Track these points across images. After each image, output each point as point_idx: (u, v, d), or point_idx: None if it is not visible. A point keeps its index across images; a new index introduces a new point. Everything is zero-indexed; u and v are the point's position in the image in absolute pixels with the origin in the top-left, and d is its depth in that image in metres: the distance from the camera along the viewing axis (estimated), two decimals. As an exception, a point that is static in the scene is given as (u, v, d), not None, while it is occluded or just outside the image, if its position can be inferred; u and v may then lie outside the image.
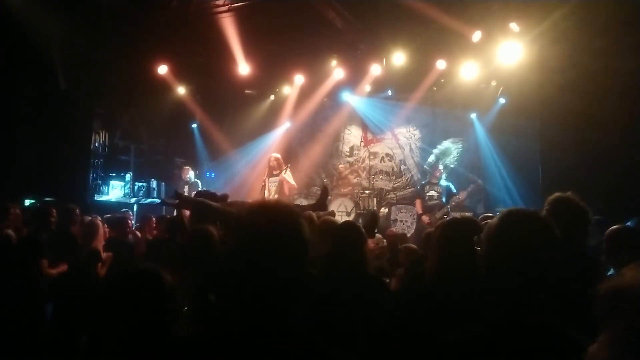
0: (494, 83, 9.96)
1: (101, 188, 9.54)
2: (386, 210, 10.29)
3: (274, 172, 8.28)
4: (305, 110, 11.19)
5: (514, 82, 8.88)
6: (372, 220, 4.33)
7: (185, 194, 9.44)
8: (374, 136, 11.35)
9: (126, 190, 9.74)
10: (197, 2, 8.59)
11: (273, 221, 1.31)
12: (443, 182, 8.86)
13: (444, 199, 8.65)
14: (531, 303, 1.46)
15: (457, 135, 10.65)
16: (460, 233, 2.33)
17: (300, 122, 11.40)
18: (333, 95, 11.03)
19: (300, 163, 10.90)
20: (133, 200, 9.65)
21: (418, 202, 9.02)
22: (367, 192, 10.50)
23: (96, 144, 9.87)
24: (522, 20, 8.02)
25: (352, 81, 10.48)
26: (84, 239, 4.77)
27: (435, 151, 9.49)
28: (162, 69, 9.90)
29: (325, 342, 1.29)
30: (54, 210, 5.09)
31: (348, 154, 11.49)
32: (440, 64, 9.50)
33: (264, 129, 11.45)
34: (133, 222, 7.24)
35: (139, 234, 6.10)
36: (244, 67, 9.75)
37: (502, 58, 8.54)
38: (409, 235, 8.53)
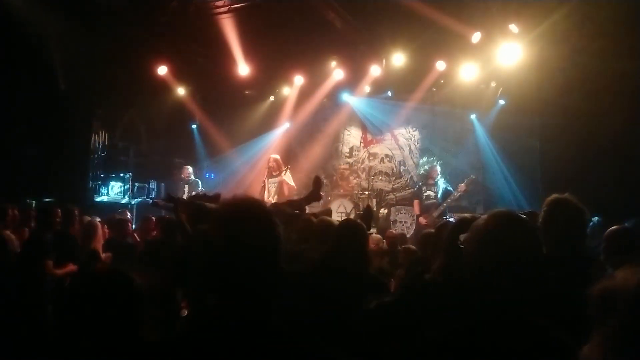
0: (493, 84, 9.96)
1: (100, 188, 9.54)
2: (386, 211, 10.29)
3: (274, 173, 8.28)
4: (305, 111, 11.19)
5: (514, 82, 8.89)
6: (367, 215, 4.29)
7: (186, 193, 9.46)
8: (374, 137, 11.35)
9: (125, 191, 9.74)
10: (196, 3, 8.60)
11: (243, 218, 1.32)
12: (440, 182, 8.86)
13: (440, 198, 8.65)
14: (516, 300, 1.47)
15: (457, 136, 10.65)
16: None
17: (300, 122, 11.40)
18: (333, 96, 11.03)
19: (300, 164, 10.90)
20: (132, 200, 9.66)
21: (416, 203, 9.02)
22: (366, 192, 10.49)
23: (96, 145, 9.87)
24: (521, 21, 8.02)
25: (352, 82, 10.48)
26: (83, 240, 4.78)
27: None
28: (162, 70, 9.91)
29: (306, 338, 1.29)
30: (59, 211, 5.07)
31: (348, 154, 11.50)
32: (440, 65, 9.50)
33: (264, 129, 11.45)
34: (133, 222, 7.25)
35: (137, 237, 6.08)
36: (243, 68, 9.76)
37: (502, 59, 8.55)
38: (408, 236, 8.53)
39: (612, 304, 1.18)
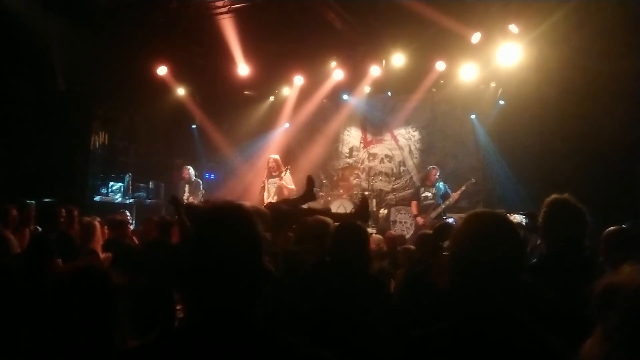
0: (493, 84, 9.97)
1: (100, 189, 9.54)
2: (385, 211, 10.28)
3: (273, 173, 8.28)
4: (305, 111, 11.19)
5: (513, 83, 8.89)
6: (364, 206, 4.23)
7: (186, 193, 9.48)
8: (374, 137, 11.35)
9: (125, 191, 9.74)
10: (196, 3, 8.60)
11: (216, 220, 1.32)
12: (439, 183, 8.86)
13: (439, 200, 8.65)
14: (497, 298, 1.47)
15: (457, 136, 10.65)
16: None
17: (300, 123, 11.40)
18: (332, 96, 11.04)
19: (300, 164, 10.89)
20: (130, 200, 9.66)
21: (413, 204, 9.01)
22: (366, 193, 10.47)
23: (96, 145, 9.87)
24: (521, 21, 8.03)
25: (352, 82, 10.49)
26: (81, 240, 4.76)
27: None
28: (162, 70, 9.92)
29: (289, 338, 1.29)
30: (63, 210, 5.05)
31: (347, 155, 11.50)
32: (440, 65, 9.51)
33: (263, 129, 11.45)
34: (132, 223, 7.25)
35: (135, 239, 6.07)
36: (243, 68, 9.77)
37: (502, 59, 8.56)
38: (408, 236, 8.52)
39: (615, 301, 1.18)
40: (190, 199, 9.31)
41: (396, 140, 11.15)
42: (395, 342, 1.86)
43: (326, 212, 5.04)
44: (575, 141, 7.71)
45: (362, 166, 11.29)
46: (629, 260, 1.33)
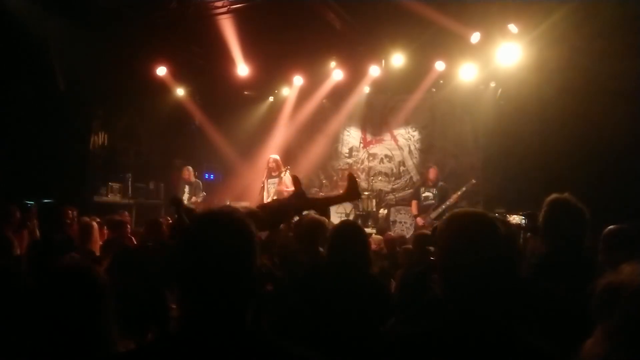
0: (492, 84, 9.97)
1: (100, 189, 9.53)
2: (385, 211, 10.28)
3: (273, 174, 8.28)
4: (304, 112, 11.20)
5: (513, 83, 8.89)
6: (352, 183, 4.15)
7: (186, 194, 9.48)
8: (373, 137, 11.35)
9: (125, 192, 9.74)
10: (196, 4, 8.59)
11: (207, 225, 1.33)
12: (439, 183, 8.86)
13: (438, 201, 8.66)
14: (480, 299, 1.46)
15: (457, 136, 10.65)
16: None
17: (299, 123, 11.40)
18: (332, 96, 11.03)
19: (300, 164, 10.89)
20: (132, 201, 9.65)
21: (414, 204, 9.02)
22: (366, 193, 10.48)
23: (95, 145, 9.86)
24: (520, 21, 8.03)
25: (351, 82, 10.49)
26: (79, 241, 4.75)
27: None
28: (161, 70, 9.91)
29: (282, 341, 1.28)
30: (70, 212, 5.03)
31: (347, 155, 11.50)
32: (439, 65, 9.52)
33: (263, 130, 11.45)
34: (132, 223, 7.23)
35: (134, 240, 6.05)
36: (242, 69, 9.76)
37: (501, 59, 8.56)
38: (407, 236, 8.52)
39: (615, 301, 1.18)
40: (193, 199, 9.31)
41: (396, 141, 11.15)
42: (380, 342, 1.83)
43: (317, 200, 4.99)
44: (575, 141, 7.71)
45: (361, 166, 11.29)
46: (629, 259, 1.33)
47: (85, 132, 9.65)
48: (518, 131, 9.07)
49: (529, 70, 8.18)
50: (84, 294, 1.57)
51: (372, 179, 11.06)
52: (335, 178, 11.28)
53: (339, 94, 10.93)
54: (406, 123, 11.04)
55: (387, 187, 11.07)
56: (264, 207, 4.76)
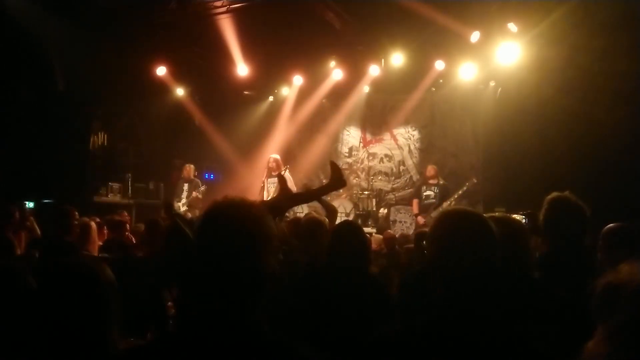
0: (492, 83, 9.97)
1: (100, 189, 9.53)
2: (385, 210, 10.28)
3: (273, 173, 8.27)
4: (304, 111, 11.19)
5: (512, 82, 8.89)
6: (335, 172, 4.10)
7: (185, 192, 9.48)
8: (373, 137, 11.35)
9: (125, 192, 9.74)
10: (195, 4, 8.59)
11: (217, 220, 1.30)
12: (440, 182, 8.87)
13: (438, 200, 8.66)
14: (471, 297, 1.45)
15: (457, 135, 10.65)
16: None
17: (299, 123, 11.39)
18: (332, 96, 11.03)
19: (299, 164, 10.89)
20: (132, 201, 9.65)
21: (414, 203, 9.03)
22: (366, 192, 10.49)
23: (95, 146, 9.86)
24: (520, 20, 8.03)
25: (351, 82, 10.48)
26: (78, 241, 4.74)
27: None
28: (161, 70, 9.91)
29: (289, 341, 1.27)
30: (76, 213, 5.01)
31: (347, 154, 11.49)
32: (439, 65, 9.52)
33: (263, 129, 11.44)
34: (132, 224, 7.21)
35: (133, 239, 6.04)
36: (242, 68, 9.76)
37: (501, 58, 8.55)
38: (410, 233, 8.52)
39: (615, 301, 1.18)
40: (194, 194, 9.31)
41: (395, 140, 11.15)
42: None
43: (303, 195, 4.96)
44: (574, 140, 7.71)
45: (361, 166, 11.29)
46: (628, 258, 1.33)
47: (85, 132, 9.66)
48: (518, 130, 9.07)
49: (529, 69, 8.18)
50: (91, 293, 1.55)
51: (372, 179, 11.06)
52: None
53: (339, 94, 10.93)
54: (406, 122, 11.04)
55: (387, 186, 11.07)
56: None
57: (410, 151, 11.04)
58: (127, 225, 6.05)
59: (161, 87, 10.25)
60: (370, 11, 8.36)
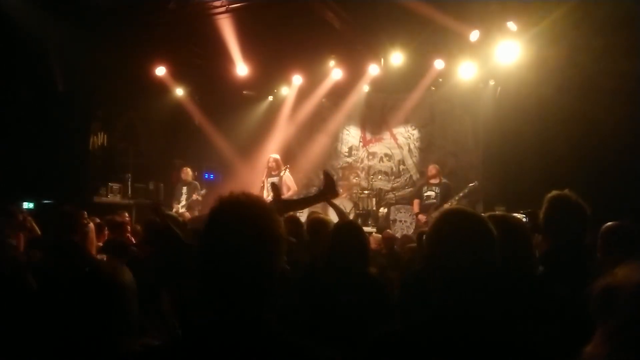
0: (492, 82, 9.97)
1: (100, 190, 9.53)
2: (385, 210, 10.29)
3: (273, 173, 8.28)
4: (304, 111, 11.19)
5: (512, 81, 8.89)
6: (328, 180, 4.14)
7: (184, 195, 9.48)
8: (373, 136, 11.35)
9: (125, 192, 9.74)
10: (194, 4, 8.59)
11: (241, 217, 1.27)
12: (442, 181, 8.87)
13: (439, 200, 8.66)
14: (470, 297, 1.45)
15: (456, 134, 10.65)
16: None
17: (299, 122, 11.39)
18: (331, 95, 11.03)
19: (299, 163, 10.90)
20: (132, 201, 9.65)
21: (415, 202, 9.04)
22: (366, 192, 10.49)
23: (95, 146, 9.86)
24: (519, 19, 8.02)
25: (350, 81, 10.48)
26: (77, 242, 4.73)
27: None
28: (160, 71, 9.91)
29: (300, 339, 1.26)
30: (85, 213, 4.99)
31: (347, 154, 11.49)
32: (438, 64, 9.52)
33: (263, 129, 11.44)
34: (131, 224, 7.21)
35: (133, 239, 6.04)
36: (242, 68, 9.76)
37: (500, 57, 8.55)
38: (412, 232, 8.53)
39: (614, 302, 1.18)
40: (194, 196, 9.31)
41: (395, 139, 11.14)
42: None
43: (295, 202, 4.97)
44: (574, 139, 7.71)
45: (361, 165, 11.29)
46: (627, 256, 1.33)
47: (85, 133, 9.66)
48: (517, 129, 9.06)
49: (528, 68, 8.18)
50: (110, 296, 1.57)
51: (372, 178, 11.06)
52: (335, 177, 11.25)
53: (339, 93, 10.93)
54: (406, 122, 11.04)
55: (387, 185, 11.07)
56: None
57: (410, 150, 11.04)
58: (128, 227, 6.06)
59: (161, 87, 10.25)
60: (369, 10, 8.35)
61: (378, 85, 10.66)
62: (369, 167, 11.23)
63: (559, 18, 7.29)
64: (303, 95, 11.01)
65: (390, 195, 10.93)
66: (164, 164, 11.09)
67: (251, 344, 1.21)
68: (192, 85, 10.83)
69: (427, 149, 10.89)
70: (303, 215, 5.99)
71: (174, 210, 9.08)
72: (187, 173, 9.72)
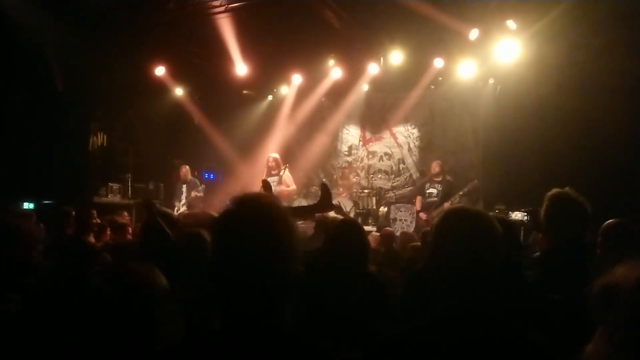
0: (491, 81, 9.97)
1: (100, 190, 9.53)
2: (385, 209, 10.29)
3: (273, 172, 8.29)
4: (303, 110, 11.19)
5: (512, 79, 8.88)
6: (325, 193, 4.13)
7: (184, 193, 9.48)
8: (373, 135, 11.35)
9: (125, 192, 9.74)
10: (193, 3, 8.59)
11: (257, 217, 1.26)
12: (446, 178, 8.90)
13: (440, 199, 8.67)
14: (475, 296, 1.45)
15: (456, 133, 10.65)
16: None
17: (299, 121, 11.39)
18: (331, 94, 11.03)
19: (299, 163, 10.89)
20: (132, 201, 9.65)
21: (418, 199, 9.06)
22: (366, 191, 10.50)
23: (94, 146, 9.86)
24: (519, 17, 8.02)
25: (350, 80, 10.48)
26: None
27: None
28: (160, 71, 9.91)
29: (315, 340, 1.26)
30: (95, 212, 4.97)
31: (347, 153, 11.49)
32: (438, 63, 9.52)
33: (262, 129, 11.44)
34: (132, 224, 7.21)
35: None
36: (241, 68, 9.75)
37: (500, 56, 8.55)
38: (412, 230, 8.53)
39: (613, 301, 1.18)
40: (193, 193, 9.31)
41: (395, 138, 11.14)
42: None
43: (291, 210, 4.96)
44: (574, 137, 7.71)
45: (361, 164, 11.29)
46: (626, 253, 1.33)
47: (85, 133, 9.66)
48: (517, 128, 9.07)
49: (528, 66, 8.18)
50: (146, 299, 1.58)
51: (372, 177, 11.06)
52: (335, 176, 11.28)
53: (338, 92, 10.92)
54: (405, 121, 11.04)
55: (387, 184, 11.07)
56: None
57: (409, 149, 11.04)
58: (129, 228, 6.06)
59: (160, 87, 10.24)
60: (369, 9, 8.35)
61: (378, 84, 10.66)
62: (369, 166, 11.23)
63: (558, 16, 7.29)
64: (303, 94, 11.00)
65: (390, 194, 10.93)
66: (163, 163, 11.08)
67: (270, 349, 1.20)
68: (191, 85, 10.82)
69: (426, 148, 10.89)
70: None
71: (176, 209, 9.08)
72: (185, 171, 9.72)
